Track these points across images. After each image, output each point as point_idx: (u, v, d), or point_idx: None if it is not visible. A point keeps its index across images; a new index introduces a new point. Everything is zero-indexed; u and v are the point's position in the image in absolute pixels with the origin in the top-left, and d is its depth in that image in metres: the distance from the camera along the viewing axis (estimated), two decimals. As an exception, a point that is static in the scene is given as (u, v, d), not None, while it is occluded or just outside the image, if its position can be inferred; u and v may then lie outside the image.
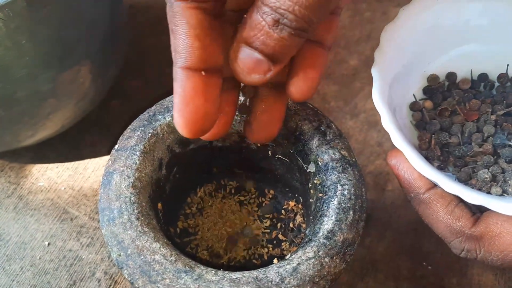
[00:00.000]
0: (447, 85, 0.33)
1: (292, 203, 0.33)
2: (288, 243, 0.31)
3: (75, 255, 0.37)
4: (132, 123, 0.27)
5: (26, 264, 0.36)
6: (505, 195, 0.27)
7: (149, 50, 0.50)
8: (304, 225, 0.31)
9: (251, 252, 0.31)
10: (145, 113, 0.27)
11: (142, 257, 0.22)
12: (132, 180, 0.25)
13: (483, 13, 0.31)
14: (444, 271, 0.38)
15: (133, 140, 0.26)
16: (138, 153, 0.26)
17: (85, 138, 0.43)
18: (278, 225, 0.32)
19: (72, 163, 0.41)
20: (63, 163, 0.41)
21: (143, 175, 0.25)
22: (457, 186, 0.24)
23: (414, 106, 0.32)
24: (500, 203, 0.24)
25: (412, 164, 0.25)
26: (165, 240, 0.23)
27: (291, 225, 0.32)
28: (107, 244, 0.23)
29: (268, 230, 0.32)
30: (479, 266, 0.38)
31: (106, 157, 0.41)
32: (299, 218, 0.32)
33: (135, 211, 0.24)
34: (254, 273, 0.23)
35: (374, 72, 0.26)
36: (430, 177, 0.25)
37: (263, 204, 0.33)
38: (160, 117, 0.27)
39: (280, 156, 0.30)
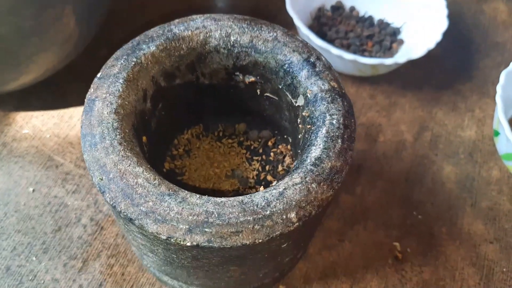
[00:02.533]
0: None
1: (281, 146, 0.32)
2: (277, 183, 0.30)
3: (60, 202, 0.36)
4: (115, 52, 0.26)
5: (10, 210, 0.35)
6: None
7: (137, 1, 0.49)
8: (292, 166, 0.31)
9: (239, 193, 0.30)
10: (129, 42, 0.26)
11: (125, 180, 0.22)
12: (114, 107, 0.24)
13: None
14: (434, 220, 0.37)
15: (116, 68, 0.25)
16: (121, 80, 0.25)
17: (71, 86, 0.42)
18: (267, 167, 0.32)
19: (58, 111, 0.40)
20: (48, 111, 0.40)
21: (126, 103, 0.25)
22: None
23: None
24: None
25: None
26: (149, 166, 0.23)
27: (280, 167, 0.31)
28: (89, 169, 0.22)
29: (257, 172, 0.31)
30: (469, 216, 0.38)
31: (93, 106, 0.40)
32: (288, 160, 0.31)
33: (118, 136, 0.23)
34: (240, 197, 0.22)
35: None
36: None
37: (252, 147, 0.32)
38: (144, 46, 0.26)
39: (268, 94, 0.30)
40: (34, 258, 0.34)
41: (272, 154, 0.32)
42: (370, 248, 0.36)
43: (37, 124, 0.39)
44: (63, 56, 0.37)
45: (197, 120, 0.33)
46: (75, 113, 0.40)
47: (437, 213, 0.38)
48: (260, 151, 0.32)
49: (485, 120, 0.43)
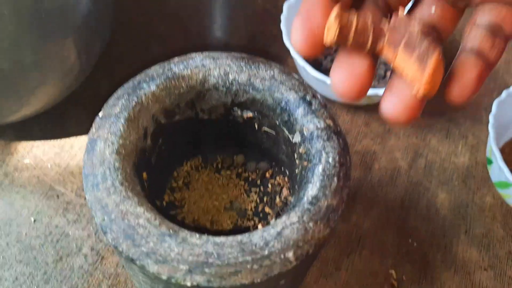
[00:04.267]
0: None
1: (278, 178, 0.33)
2: (274, 216, 0.31)
3: (62, 231, 0.36)
4: (116, 91, 0.27)
5: (12, 240, 0.36)
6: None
7: (136, 30, 0.50)
8: (290, 198, 0.31)
9: (237, 225, 0.31)
10: (129, 81, 0.27)
11: (126, 221, 0.22)
12: (116, 147, 0.25)
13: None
14: (429, 247, 0.38)
15: (117, 108, 0.26)
16: (122, 120, 0.25)
17: (71, 116, 0.42)
18: (265, 199, 0.32)
19: (58, 140, 0.41)
20: (49, 141, 0.41)
21: (128, 142, 0.25)
22: None
23: None
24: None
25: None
26: (149, 206, 0.23)
27: (278, 199, 0.32)
28: (91, 209, 0.23)
29: (255, 204, 0.32)
30: (464, 243, 0.38)
31: (93, 135, 0.41)
32: (285, 192, 0.32)
33: (119, 176, 0.24)
34: (239, 237, 0.23)
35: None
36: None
37: (250, 179, 0.33)
38: (144, 85, 0.27)
39: (266, 129, 0.30)
40: (35, 289, 0.34)
41: (269, 185, 0.33)
42: (366, 276, 0.36)
43: (38, 154, 0.40)
44: (63, 88, 0.37)
45: (196, 152, 0.33)
46: (75, 142, 0.41)
47: (432, 239, 0.38)
48: (258, 182, 0.33)
49: (478, 146, 0.44)
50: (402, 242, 0.38)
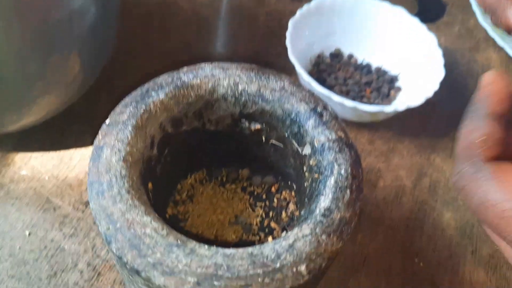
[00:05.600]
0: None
1: (285, 192, 0.32)
2: (280, 231, 0.30)
3: (57, 246, 0.35)
4: (124, 98, 0.26)
5: (4, 254, 0.34)
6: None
7: (139, 45, 0.49)
8: (297, 213, 0.31)
9: (242, 240, 0.30)
10: (137, 89, 0.27)
11: (132, 230, 0.21)
12: (123, 154, 0.24)
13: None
14: (436, 268, 0.37)
15: (125, 115, 0.25)
16: (130, 128, 0.25)
17: (71, 128, 0.42)
18: (271, 214, 0.31)
19: (57, 152, 0.40)
20: (47, 152, 0.40)
21: (135, 150, 0.24)
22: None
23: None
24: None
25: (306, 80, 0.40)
26: (156, 215, 0.23)
27: (284, 214, 0.31)
28: (95, 218, 0.22)
29: (260, 219, 0.31)
30: (471, 263, 0.38)
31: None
32: (292, 206, 0.31)
33: (126, 184, 0.23)
34: (249, 249, 0.22)
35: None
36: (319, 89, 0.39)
37: (255, 193, 0.32)
38: (153, 93, 0.26)
39: (274, 142, 0.30)
40: (27, 306, 0.32)
41: (275, 200, 0.32)
42: (373, 297, 0.35)
43: (35, 165, 0.39)
44: (65, 98, 0.37)
45: (201, 165, 0.33)
46: (74, 154, 0.40)
47: (439, 260, 0.37)
48: (264, 196, 0.32)
49: (482, 167, 0.44)
50: (408, 262, 0.37)
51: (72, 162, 0.40)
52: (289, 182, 0.32)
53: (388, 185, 0.41)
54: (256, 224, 0.31)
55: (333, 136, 0.26)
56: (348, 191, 0.24)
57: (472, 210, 0.20)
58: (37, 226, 0.36)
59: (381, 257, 0.37)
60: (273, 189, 0.32)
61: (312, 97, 0.27)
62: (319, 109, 0.27)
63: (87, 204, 0.37)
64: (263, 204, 0.32)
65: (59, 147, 0.40)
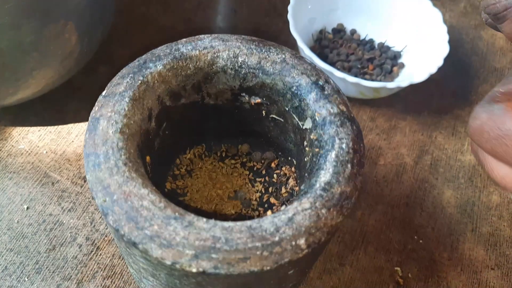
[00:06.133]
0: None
1: (284, 168, 0.32)
2: (279, 206, 0.30)
3: (56, 220, 0.35)
4: (121, 70, 0.26)
5: (2, 228, 0.34)
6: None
7: (138, 19, 0.48)
8: (296, 189, 0.30)
9: (241, 214, 0.30)
10: (135, 61, 0.26)
11: (129, 202, 0.21)
12: (120, 126, 0.23)
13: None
14: (435, 245, 0.37)
15: (121, 87, 0.25)
16: (127, 99, 0.24)
17: (69, 103, 0.41)
18: (270, 189, 0.31)
19: (55, 127, 0.40)
20: (45, 127, 0.40)
21: (132, 122, 0.24)
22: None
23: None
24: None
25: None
26: (154, 188, 0.22)
27: (283, 189, 0.31)
28: (91, 190, 0.22)
29: (260, 194, 0.31)
30: (470, 241, 0.38)
31: (91, 122, 0.40)
32: (291, 182, 0.31)
33: (123, 156, 0.22)
34: (248, 222, 0.21)
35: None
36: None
37: (255, 168, 0.32)
38: (151, 64, 0.26)
39: (274, 116, 0.29)
40: (26, 279, 0.32)
41: (275, 176, 0.32)
42: (371, 273, 0.35)
43: (33, 140, 0.39)
44: (63, 72, 0.36)
45: (200, 140, 0.32)
46: (73, 129, 0.40)
47: (438, 237, 0.37)
48: (263, 172, 0.32)
49: (484, 145, 0.43)
50: (408, 239, 0.37)
51: (71, 136, 0.39)
52: (289, 158, 0.31)
53: (389, 162, 0.41)
54: (256, 199, 0.31)
55: (335, 109, 0.25)
56: (349, 166, 0.24)
57: (483, 147, 0.20)
58: (35, 200, 0.36)
59: (380, 234, 0.37)
60: (273, 164, 0.32)
61: (314, 70, 0.27)
62: (321, 82, 0.26)
63: (85, 178, 0.37)
64: (262, 180, 0.32)
65: (57, 122, 0.40)
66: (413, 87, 0.43)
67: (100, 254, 0.34)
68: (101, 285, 0.33)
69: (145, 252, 0.21)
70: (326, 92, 0.26)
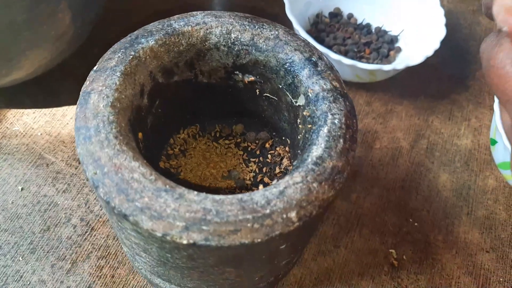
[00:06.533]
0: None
1: (279, 148, 0.31)
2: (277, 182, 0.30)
3: (50, 201, 0.35)
4: (113, 46, 0.26)
5: (-3, 208, 0.34)
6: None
7: (133, 1, 0.48)
8: (290, 168, 0.30)
9: (235, 194, 0.29)
10: (127, 36, 0.26)
11: (120, 175, 0.21)
12: (111, 100, 0.23)
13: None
14: (430, 228, 0.37)
15: (113, 61, 0.25)
16: (118, 73, 0.24)
17: (63, 85, 0.41)
18: (264, 169, 0.31)
19: (50, 109, 0.39)
20: (40, 109, 0.39)
21: (123, 96, 0.24)
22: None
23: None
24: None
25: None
26: (145, 161, 0.22)
27: (277, 169, 0.31)
28: (82, 163, 0.22)
29: (254, 174, 0.31)
30: (465, 224, 0.37)
31: (86, 105, 0.40)
32: (285, 162, 0.31)
33: (113, 130, 0.22)
34: (239, 195, 0.21)
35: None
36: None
37: (249, 149, 0.32)
38: (142, 40, 0.25)
39: (268, 95, 0.29)
40: (20, 258, 0.32)
41: (269, 156, 0.31)
42: (366, 255, 0.35)
43: (28, 122, 0.39)
44: (56, 53, 0.36)
45: (194, 120, 0.32)
46: (67, 111, 0.39)
47: (433, 220, 0.37)
48: (258, 152, 0.32)
49: (481, 130, 0.43)
50: (403, 222, 0.37)
51: (65, 119, 0.39)
52: (283, 137, 0.31)
53: (385, 146, 0.41)
54: (250, 179, 0.31)
55: (328, 85, 0.25)
56: (341, 140, 0.23)
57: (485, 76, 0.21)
58: (30, 182, 0.36)
59: (375, 217, 0.37)
60: (267, 145, 0.32)
61: (307, 46, 0.27)
62: (314, 58, 0.26)
63: (80, 161, 0.37)
64: (256, 160, 0.31)
65: (51, 104, 0.40)
66: (409, 72, 0.43)
67: (95, 235, 0.34)
68: (95, 265, 0.33)
69: (136, 224, 0.20)
70: (319, 68, 0.26)
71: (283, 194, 0.21)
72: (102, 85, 0.24)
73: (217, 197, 0.21)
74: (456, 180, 0.40)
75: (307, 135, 0.25)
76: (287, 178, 0.22)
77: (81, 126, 0.23)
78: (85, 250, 0.33)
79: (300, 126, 0.27)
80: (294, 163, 0.25)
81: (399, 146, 0.41)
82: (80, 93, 0.24)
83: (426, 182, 0.39)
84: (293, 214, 0.21)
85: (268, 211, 0.21)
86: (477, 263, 0.36)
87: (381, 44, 0.44)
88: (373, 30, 0.46)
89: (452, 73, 0.47)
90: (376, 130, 0.42)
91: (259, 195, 0.21)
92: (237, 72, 0.29)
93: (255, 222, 0.21)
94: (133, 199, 0.21)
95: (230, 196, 0.21)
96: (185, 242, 0.20)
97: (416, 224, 0.37)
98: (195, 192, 0.21)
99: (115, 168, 0.21)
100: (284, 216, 0.21)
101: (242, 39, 0.27)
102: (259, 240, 0.21)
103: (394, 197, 0.38)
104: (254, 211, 0.21)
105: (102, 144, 0.22)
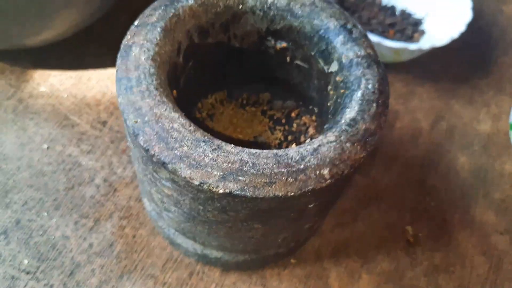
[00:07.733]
0: None
1: (305, 117, 0.32)
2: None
3: (75, 161, 0.36)
4: (153, 3, 0.26)
5: (23, 165, 0.35)
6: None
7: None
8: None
9: (261, 158, 0.30)
10: (166, -6, 0.26)
11: (160, 124, 0.22)
12: (152, 53, 0.24)
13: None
14: (447, 206, 0.37)
15: (153, 17, 0.25)
16: (158, 29, 0.24)
17: (89, 49, 0.41)
18: (289, 137, 0.31)
19: (76, 72, 0.40)
20: (66, 71, 0.40)
21: (163, 52, 0.24)
22: None
23: None
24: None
25: None
26: (183, 114, 0.23)
27: (302, 138, 0.31)
28: (123, 113, 0.22)
29: (279, 141, 0.31)
30: (481, 205, 0.38)
31: (111, 69, 0.40)
32: (311, 131, 0.31)
33: (154, 81, 0.23)
34: (274, 150, 0.22)
35: None
36: None
37: (275, 117, 0.32)
38: (182, -2, 0.26)
39: (298, 62, 0.30)
40: (45, 214, 0.33)
41: (295, 125, 0.32)
42: (383, 229, 0.36)
43: (54, 83, 0.39)
44: (86, 15, 0.36)
45: (222, 85, 0.32)
46: (93, 75, 0.40)
47: (450, 200, 0.38)
48: (283, 121, 0.32)
49: (500, 116, 0.43)
50: (420, 200, 0.37)
51: (91, 82, 0.40)
52: (310, 106, 0.31)
53: (405, 126, 0.41)
54: (275, 146, 0.31)
55: (362, 52, 0.26)
56: (374, 105, 0.24)
57: None
58: (55, 141, 0.36)
59: (393, 193, 0.37)
60: (293, 114, 0.32)
61: (343, 14, 0.27)
62: (349, 26, 0.26)
63: (104, 123, 0.37)
64: (282, 128, 0.32)
65: (77, 67, 0.40)
66: (432, 55, 0.43)
67: (118, 196, 0.35)
68: (117, 224, 0.33)
69: (174, 172, 0.21)
70: (354, 36, 0.26)
71: (317, 151, 0.22)
72: (143, 39, 0.24)
73: (253, 150, 0.22)
74: (474, 163, 0.40)
75: (339, 100, 0.26)
76: (321, 137, 0.23)
77: (123, 77, 0.23)
78: (108, 209, 0.34)
79: (331, 92, 0.27)
80: (325, 127, 0.25)
81: (419, 127, 0.41)
82: (121, 46, 0.24)
83: (445, 162, 0.40)
84: (326, 171, 0.22)
85: (302, 166, 0.21)
86: (491, 244, 0.36)
87: (406, 26, 0.44)
88: (398, 13, 0.46)
89: (474, 58, 0.47)
90: (397, 110, 0.42)
91: (293, 152, 0.22)
92: (270, 38, 0.29)
93: (290, 176, 0.21)
94: (172, 147, 0.21)
95: (265, 151, 0.22)
96: (221, 191, 0.21)
97: (433, 203, 0.37)
98: (232, 145, 0.22)
99: (155, 118, 0.22)
100: (318, 172, 0.21)
101: (278, 4, 0.27)
102: (292, 193, 0.21)
103: (413, 175, 0.39)
104: (289, 166, 0.21)
105: (143, 95, 0.22)
